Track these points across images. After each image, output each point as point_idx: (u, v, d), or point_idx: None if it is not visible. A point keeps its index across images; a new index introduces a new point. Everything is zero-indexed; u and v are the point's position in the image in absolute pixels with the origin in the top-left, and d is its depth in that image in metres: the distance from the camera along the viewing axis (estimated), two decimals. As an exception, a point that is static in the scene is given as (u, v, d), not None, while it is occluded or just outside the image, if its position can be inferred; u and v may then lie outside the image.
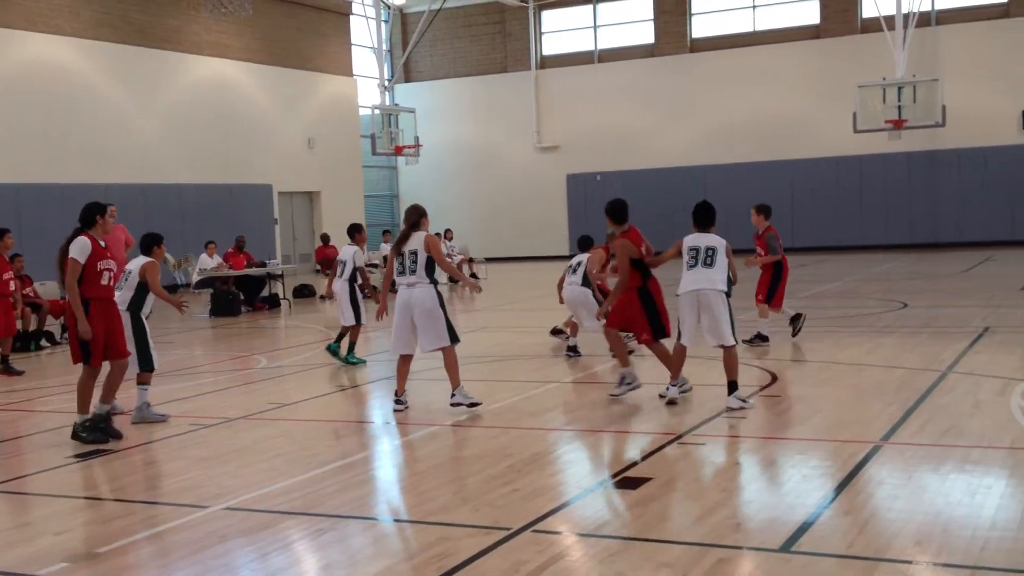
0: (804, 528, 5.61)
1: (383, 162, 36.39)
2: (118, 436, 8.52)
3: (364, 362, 12.75)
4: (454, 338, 9.24)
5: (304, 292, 24.08)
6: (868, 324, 14.27)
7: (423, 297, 9.17)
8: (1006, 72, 29.94)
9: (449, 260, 9.63)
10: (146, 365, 9.21)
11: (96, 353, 8.42)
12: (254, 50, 30.20)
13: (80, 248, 8.38)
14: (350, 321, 12.67)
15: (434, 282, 9.29)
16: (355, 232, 13.08)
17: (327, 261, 24.53)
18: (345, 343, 12.70)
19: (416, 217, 9.38)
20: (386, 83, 34.44)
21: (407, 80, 37.77)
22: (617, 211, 9.59)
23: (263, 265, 22.37)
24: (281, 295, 22.21)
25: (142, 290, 9.28)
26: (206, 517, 6.36)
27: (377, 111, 31.35)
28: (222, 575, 5.37)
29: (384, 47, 36.19)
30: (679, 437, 7.94)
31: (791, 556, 5.21)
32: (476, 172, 36.60)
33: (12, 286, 13.40)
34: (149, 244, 9.59)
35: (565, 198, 35.25)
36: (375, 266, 25.25)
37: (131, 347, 8.99)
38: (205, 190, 27.81)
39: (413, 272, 9.27)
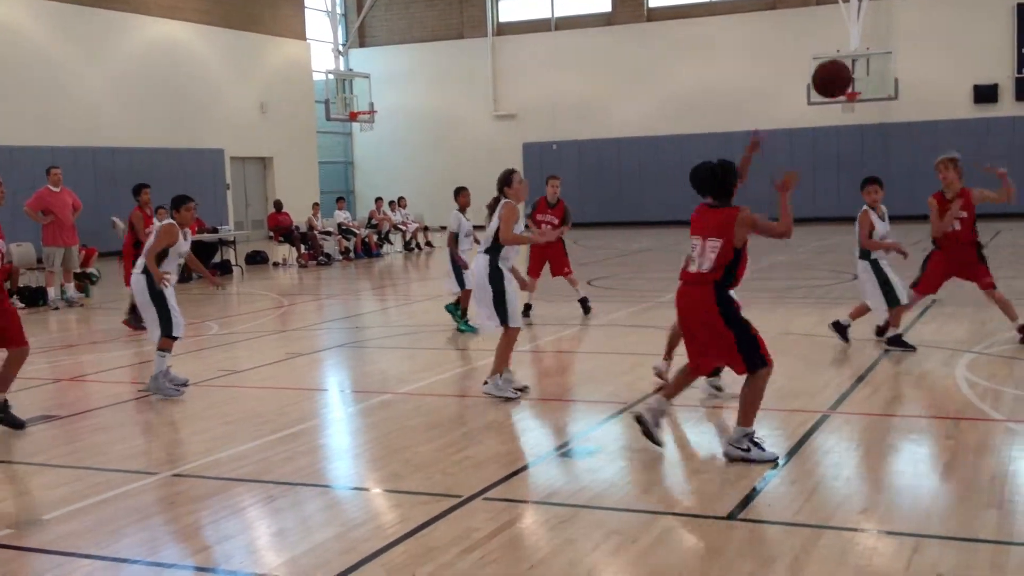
0: (751, 496, 5.68)
1: (337, 128, 36.04)
2: (21, 425, 7.74)
3: (474, 330, 11.76)
4: (503, 320, 8.32)
5: (256, 259, 23.86)
6: (819, 296, 14.44)
7: (476, 268, 8.58)
8: (958, 46, 30.23)
9: (521, 232, 8.52)
10: (166, 330, 8.84)
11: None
12: (205, 11, 29.69)
13: None
14: (455, 287, 12.13)
15: (495, 254, 8.38)
16: (456, 194, 12.57)
17: (280, 228, 24.31)
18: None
19: (499, 184, 8.67)
20: (340, 47, 34.07)
21: (362, 45, 37.37)
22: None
23: (215, 231, 22.13)
24: (233, 261, 22.00)
25: (160, 254, 8.85)
26: (155, 484, 6.31)
27: (331, 76, 31.03)
28: (172, 541, 5.34)
29: (338, 11, 35.76)
30: (630, 406, 7.99)
31: (738, 524, 5.27)
32: (432, 139, 36.38)
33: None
34: (176, 205, 9.06)
35: (521, 166, 35.15)
36: (328, 233, 25.08)
37: (151, 312, 8.80)
38: (155, 154, 27.38)
39: (489, 240, 8.63)
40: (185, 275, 19.97)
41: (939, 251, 10.41)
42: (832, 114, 29.85)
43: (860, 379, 8.66)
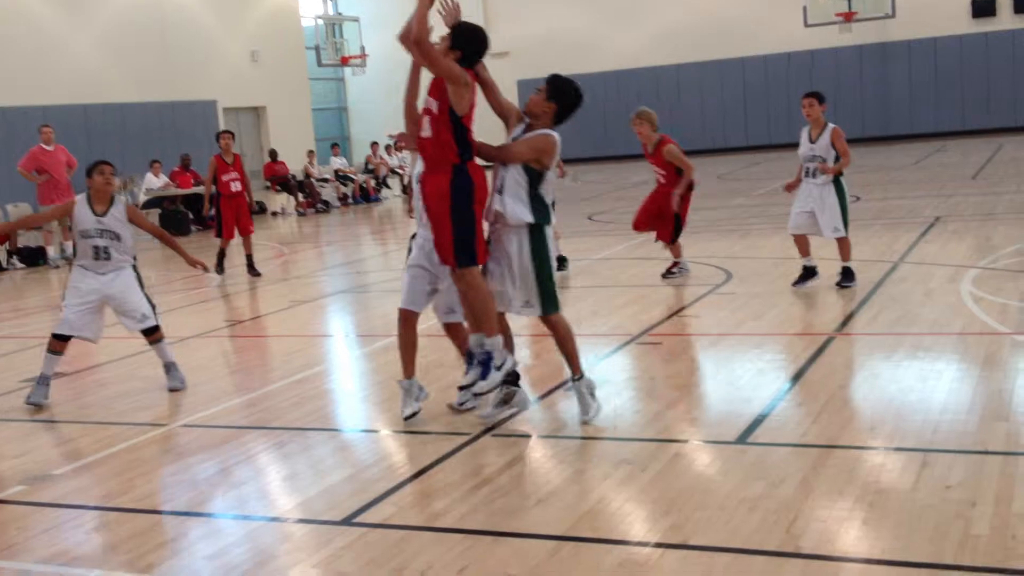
0: (759, 420, 5.68)
1: (329, 74, 35.68)
2: None
3: None
4: None
5: (255, 209, 23.74)
6: (820, 219, 14.33)
7: None
8: (955, -40, 29.78)
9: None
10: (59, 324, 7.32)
11: None
12: (190, -39, 29.22)
13: None
14: None
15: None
16: None
17: (276, 177, 24.17)
18: None
19: None
20: (329, -9, 33.61)
21: (350, -12, 36.84)
22: None
23: (212, 183, 21.99)
24: (232, 212, 21.88)
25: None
26: (164, 435, 6.33)
27: (320, 21, 30.67)
28: (183, 490, 5.35)
29: (325, -46, 35.24)
30: (635, 338, 7.98)
31: (747, 447, 5.28)
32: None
33: (235, 187, 13.24)
34: (88, 171, 7.48)
35: (517, 105, 34.76)
36: (325, 180, 24.94)
37: None
38: (147, 108, 27.14)
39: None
40: (182, 227, 19.88)
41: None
42: (830, 35, 29.49)
43: (864, 300, 8.63)
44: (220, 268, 13.27)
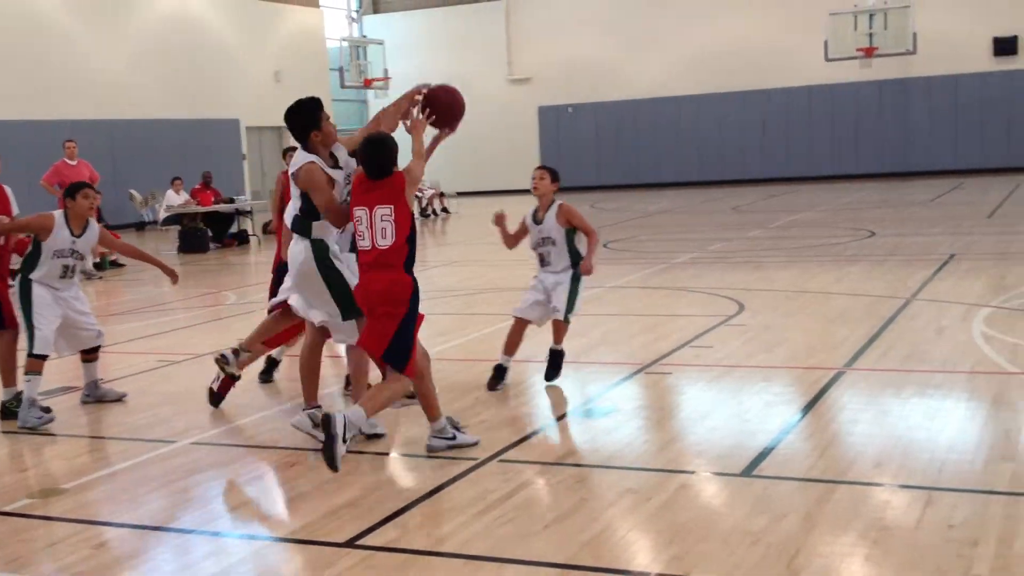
0: (766, 453, 5.69)
1: (352, 96, 35.93)
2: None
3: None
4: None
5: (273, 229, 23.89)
6: (836, 253, 14.35)
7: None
8: (977, -2, 29.84)
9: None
10: (28, 344, 7.15)
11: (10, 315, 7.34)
12: (218, -19, 29.57)
13: None
14: None
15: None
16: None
17: (297, 196, 24.27)
18: None
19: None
20: (353, 14, 33.93)
21: (375, 11, 37.17)
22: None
23: (231, 201, 22.17)
24: (250, 231, 22.05)
25: (33, 253, 7.25)
26: (174, 451, 6.37)
27: (345, 43, 30.95)
28: (191, 507, 5.39)
29: (351, -23, 35.59)
30: (645, 367, 8.00)
31: (753, 480, 5.29)
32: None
33: None
34: (71, 192, 7.39)
35: (537, 131, 35.02)
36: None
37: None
38: (171, 125, 27.41)
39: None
40: (202, 245, 20.05)
41: None
42: (850, 70, 29.55)
43: (875, 336, 8.63)
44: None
